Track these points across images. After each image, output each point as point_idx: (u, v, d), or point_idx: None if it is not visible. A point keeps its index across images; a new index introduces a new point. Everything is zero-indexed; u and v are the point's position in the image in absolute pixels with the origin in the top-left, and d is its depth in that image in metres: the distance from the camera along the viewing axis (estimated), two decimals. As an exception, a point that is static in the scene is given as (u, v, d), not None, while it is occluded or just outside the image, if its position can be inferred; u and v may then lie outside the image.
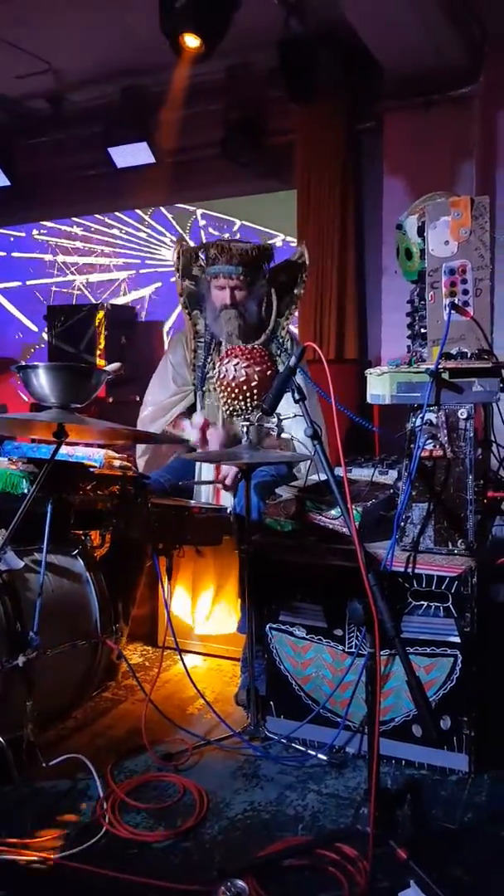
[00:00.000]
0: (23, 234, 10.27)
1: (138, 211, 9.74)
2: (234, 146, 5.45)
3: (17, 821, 1.95)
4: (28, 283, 10.63)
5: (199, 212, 9.61)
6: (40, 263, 10.74)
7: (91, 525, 2.51)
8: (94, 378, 2.25)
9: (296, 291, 3.06)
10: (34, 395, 2.20)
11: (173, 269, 3.09)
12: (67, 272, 10.77)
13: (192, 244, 3.11)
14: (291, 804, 2.04)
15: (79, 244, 10.55)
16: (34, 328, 10.29)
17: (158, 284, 10.21)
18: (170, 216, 9.89)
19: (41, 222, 9.83)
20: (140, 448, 3.23)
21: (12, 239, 10.27)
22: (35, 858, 1.79)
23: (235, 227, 9.38)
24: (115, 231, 10.34)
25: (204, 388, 3.07)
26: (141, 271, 10.34)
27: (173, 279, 3.12)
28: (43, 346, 9.49)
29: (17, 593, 2.13)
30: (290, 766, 2.24)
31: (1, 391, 6.18)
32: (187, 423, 2.99)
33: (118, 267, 10.60)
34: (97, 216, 9.93)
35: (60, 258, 10.67)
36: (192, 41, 3.86)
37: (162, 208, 9.55)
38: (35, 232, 10.31)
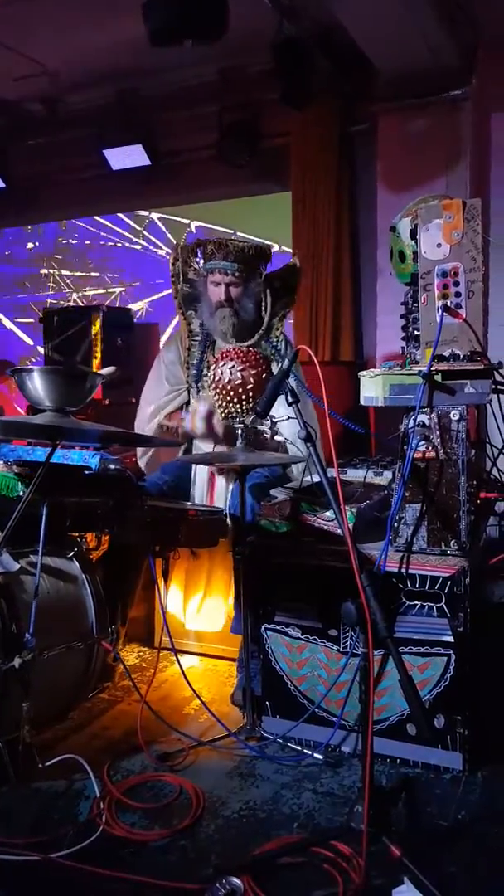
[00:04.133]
0: (17, 248, 10.29)
1: (133, 224, 9.73)
2: (230, 148, 5.46)
3: (14, 821, 1.96)
4: (22, 296, 10.65)
5: (194, 224, 9.61)
6: (36, 278, 10.74)
7: (87, 527, 2.52)
8: (88, 381, 2.26)
9: (289, 296, 3.10)
10: (29, 398, 2.21)
11: (170, 273, 3.11)
12: (63, 286, 10.78)
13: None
14: (287, 803, 2.06)
15: (74, 259, 10.56)
16: (29, 342, 10.31)
17: (149, 301, 10.21)
18: (164, 229, 9.90)
19: (37, 232, 9.82)
20: (141, 448, 3.25)
21: (7, 253, 10.27)
22: (32, 858, 1.80)
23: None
24: (110, 244, 10.35)
25: (199, 385, 3.09)
26: (136, 283, 10.34)
27: (171, 284, 3.13)
28: (38, 358, 9.50)
29: (12, 595, 2.14)
30: (286, 765, 2.26)
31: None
32: (185, 415, 3.03)
33: (113, 280, 10.59)
34: (91, 230, 9.90)
35: (56, 272, 10.67)
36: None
37: (157, 221, 9.53)
38: (29, 244, 10.32)
